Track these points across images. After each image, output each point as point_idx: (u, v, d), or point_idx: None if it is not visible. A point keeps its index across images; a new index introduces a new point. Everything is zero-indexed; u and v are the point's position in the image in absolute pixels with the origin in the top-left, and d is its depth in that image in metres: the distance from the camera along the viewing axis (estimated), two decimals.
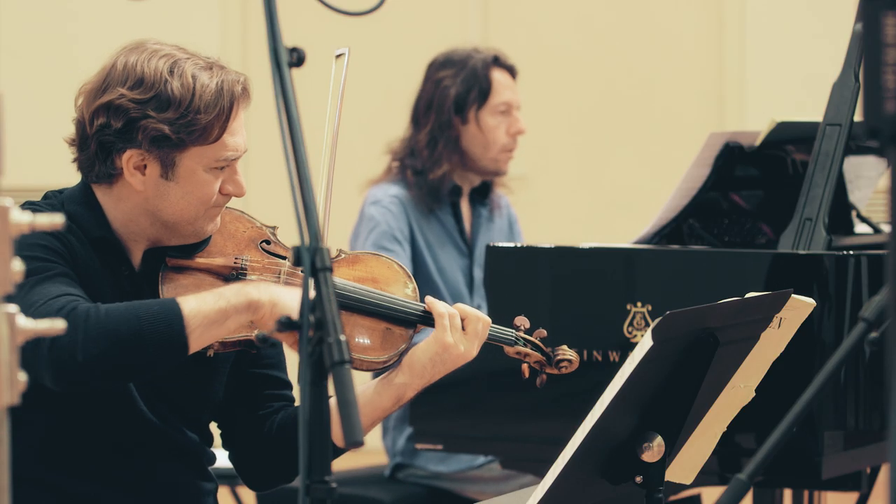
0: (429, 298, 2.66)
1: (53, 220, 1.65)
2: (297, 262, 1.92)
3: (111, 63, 2.60)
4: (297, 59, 1.99)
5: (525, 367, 2.74)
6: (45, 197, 2.65)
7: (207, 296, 2.42)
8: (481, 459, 4.27)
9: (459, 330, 2.63)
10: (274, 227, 2.71)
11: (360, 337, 2.62)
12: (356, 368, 2.61)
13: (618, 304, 3.48)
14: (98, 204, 2.61)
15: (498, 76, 4.37)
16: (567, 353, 2.75)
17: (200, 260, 2.62)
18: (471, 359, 2.66)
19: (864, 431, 3.35)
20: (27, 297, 2.40)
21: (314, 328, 1.88)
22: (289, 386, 2.79)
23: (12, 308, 1.61)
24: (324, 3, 2.16)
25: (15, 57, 7.13)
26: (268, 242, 2.68)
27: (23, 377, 1.61)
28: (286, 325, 1.94)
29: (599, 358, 3.49)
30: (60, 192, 2.66)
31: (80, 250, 2.56)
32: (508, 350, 2.76)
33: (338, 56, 2.60)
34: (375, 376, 2.74)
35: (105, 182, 2.60)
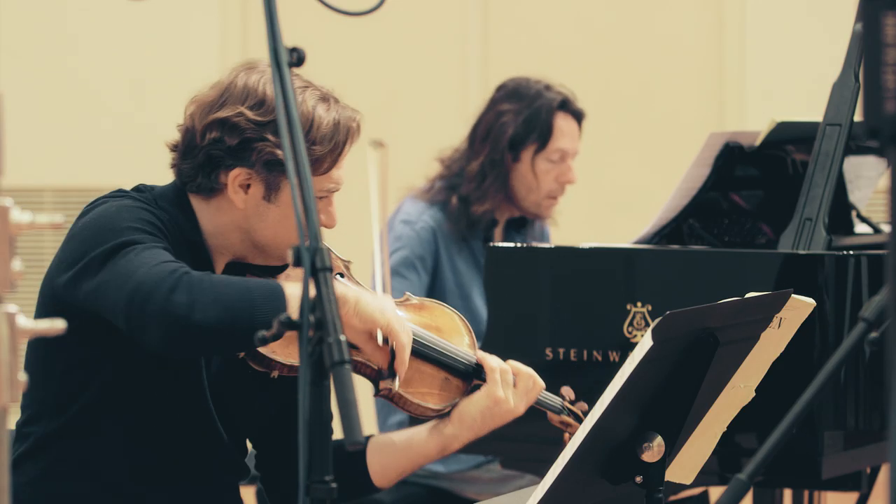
0: (481, 353, 2.69)
1: (53, 219, 1.65)
2: (297, 262, 1.93)
3: (230, 79, 2.60)
4: (297, 59, 1.99)
5: (566, 436, 2.75)
6: (138, 189, 2.65)
7: (296, 285, 2.43)
8: (480, 459, 4.27)
9: (511, 385, 2.66)
10: (348, 262, 2.72)
11: (421, 383, 2.64)
12: (410, 412, 2.63)
13: (618, 304, 3.48)
14: (192, 210, 2.62)
15: (561, 123, 4.23)
16: None
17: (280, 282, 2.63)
18: (518, 415, 2.67)
19: (864, 431, 3.35)
20: (137, 258, 2.41)
21: (314, 328, 1.88)
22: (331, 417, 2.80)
23: (12, 308, 1.61)
24: (324, 3, 2.16)
25: (15, 57, 7.13)
26: (341, 276, 2.69)
27: (23, 377, 1.61)
28: (286, 324, 1.94)
29: (599, 358, 3.49)
30: (152, 187, 2.66)
31: (175, 244, 2.57)
32: (553, 418, 2.77)
33: (373, 145, 2.61)
34: (417, 422, 2.74)
35: (204, 194, 2.61)
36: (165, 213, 2.58)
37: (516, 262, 3.70)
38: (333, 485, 1.90)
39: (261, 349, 2.50)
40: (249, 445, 2.84)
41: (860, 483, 3.57)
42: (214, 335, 2.38)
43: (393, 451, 2.71)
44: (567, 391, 2.79)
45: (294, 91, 2.54)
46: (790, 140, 3.92)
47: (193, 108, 2.62)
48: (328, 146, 2.57)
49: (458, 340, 2.73)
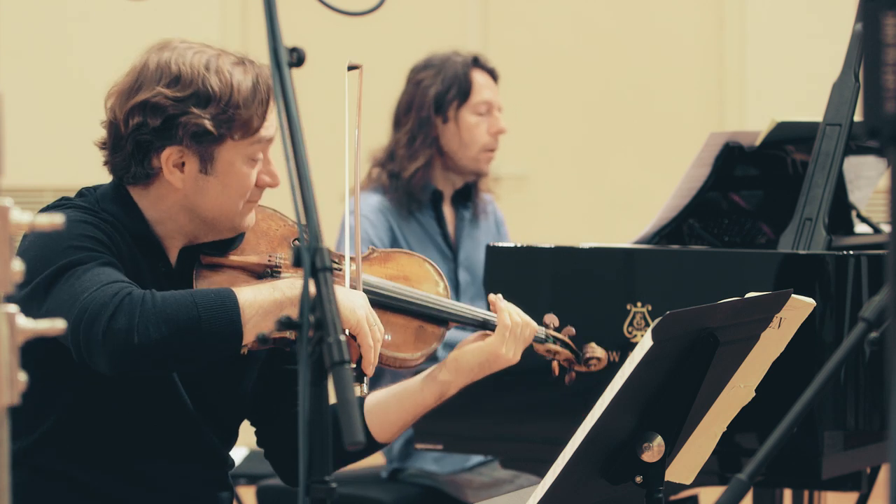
0: (501, 302, 2.69)
1: (53, 220, 1.65)
2: (297, 262, 1.93)
3: (141, 62, 2.60)
4: (297, 59, 1.99)
5: (555, 364, 2.76)
6: (80, 194, 2.65)
7: (262, 287, 2.44)
8: (474, 460, 4.27)
9: (515, 339, 2.68)
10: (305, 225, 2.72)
11: (394, 335, 2.64)
12: (389, 367, 2.64)
13: (618, 304, 3.48)
14: (134, 203, 2.61)
15: (478, 77, 4.39)
16: (596, 350, 2.78)
17: (234, 258, 2.63)
18: (514, 363, 2.69)
19: (864, 431, 3.35)
20: (78, 283, 2.40)
21: (314, 328, 1.88)
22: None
23: (12, 308, 1.61)
24: (324, 3, 2.16)
25: (15, 57, 7.13)
26: (300, 241, 2.69)
27: (22, 377, 1.61)
28: (286, 324, 1.94)
29: None
30: (95, 188, 2.66)
31: (123, 245, 2.56)
32: (538, 348, 2.78)
33: (350, 69, 2.60)
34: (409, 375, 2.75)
35: (141, 183, 2.60)
36: (108, 214, 2.57)
37: (516, 261, 3.70)
38: (333, 485, 1.90)
39: None
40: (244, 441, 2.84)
41: (860, 483, 3.57)
42: (161, 353, 2.37)
43: (390, 407, 2.71)
44: (551, 318, 2.80)
45: (210, 60, 2.57)
46: (790, 140, 3.92)
47: (112, 100, 2.62)
48: (252, 105, 2.56)
49: (429, 287, 2.73)
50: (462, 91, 4.35)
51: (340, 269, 2.64)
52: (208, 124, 2.53)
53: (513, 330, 2.66)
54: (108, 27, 6.90)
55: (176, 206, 2.60)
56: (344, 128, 2.61)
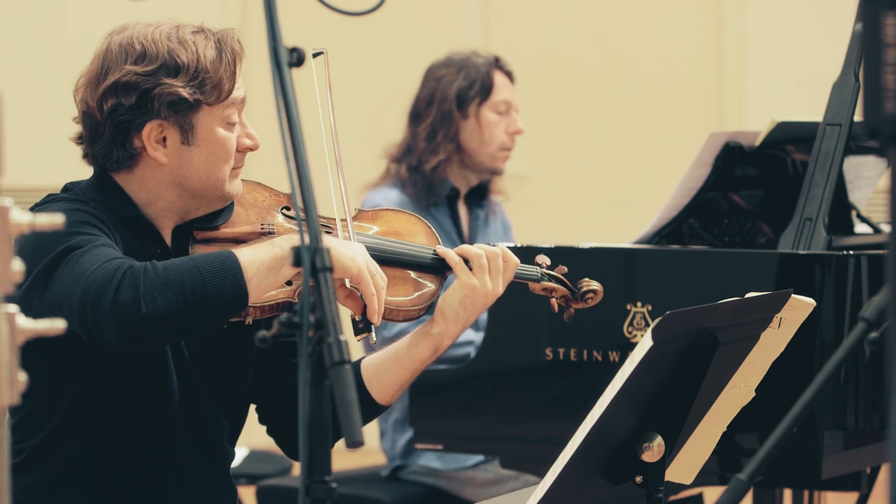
0: (441, 248, 2.71)
1: (53, 219, 1.65)
2: (297, 262, 1.93)
3: (103, 48, 2.63)
4: (297, 59, 1.99)
5: (553, 301, 2.79)
6: (66, 189, 2.65)
7: (260, 245, 2.45)
8: (478, 457, 4.27)
9: (484, 269, 2.68)
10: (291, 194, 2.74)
11: (393, 287, 2.66)
12: (393, 320, 2.65)
13: (618, 304, 3.48)
14: (120, 188, 2.62)
15: (499, 77, 4.45)
16: (591, 284, 2.80)
17: (227, 230, 2.66)
18: (500, 295, 2.70)
19: (864, 431, 3.35)
20: (78, 265, 2.40)
21: (314, 328, 1.88)
22: None
23: (12, 308, 1.61)
24: (324, 3, 2.16)
25: (15, 57, 7.13)
26: (287, 208, 2.72)
27: (23, 377, 1.61)
28: (286, 325, 1.94)
29: (599, 358, 3.49)
30: (79, 182, 2.66)
31: (116, 230, 2.56)
32: (535, 287, 2.80)
33: (315, 55, 2.61)
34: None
35: (125, 167, 2.61)
36: (96, 203, 2.58)
37: None
38: (333, 485, 1.90)
39: None
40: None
41: (860, 483, 3.57)
42: (169, 321, 2.37)
43: (387, 367, 2.72)
44: (542, 258, 2.82)
45: (170, 32, 2.59)
46: (790, 140, 3.92)
47: (82, 91, 2.63)
48: (220, 68, 2.58)
49: (421, 239, 2.76)
50: (484, 88, 4.40)
51: (331, 231, 2.67)
52: (183, 91, 2.55)
53: (475, 261, 2.66)
54: (109, 27, 6.89)
55: (164, 182, 2.61)
56: (317, 113, 2.62)
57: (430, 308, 2.70)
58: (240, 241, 2.63)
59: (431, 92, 4.42)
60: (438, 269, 2.72)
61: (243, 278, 2.38)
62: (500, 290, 2.70)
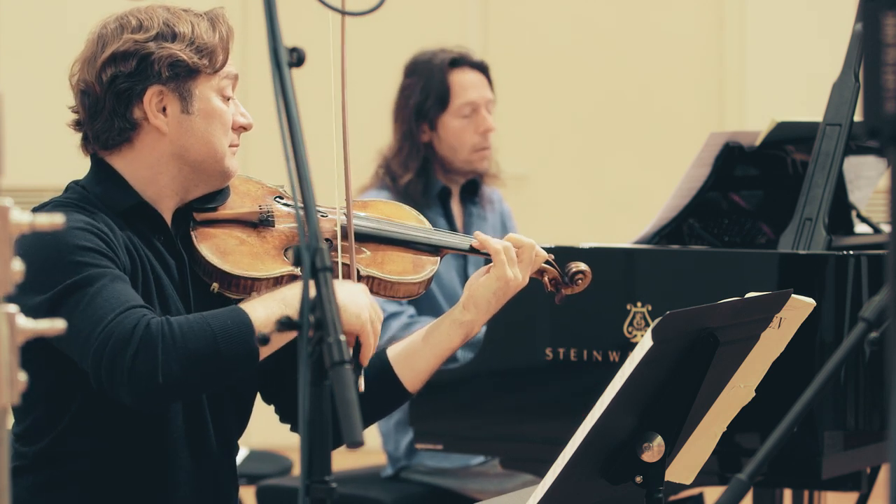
0: (482, 236, 2.76)
1: (53, 219, 1.65)
2: (297, 262, 1.93)
3: (98, 29, 2.64)
4: (297, 59, 1.99)
5: (546, 281, 2.81)
6: (67, 189, 2.65)
7: (271, 303, 2.48)
8: (479, 458, 4.27)
9: (516, 262, 2.74)
10: (281, 186, 2.77)
11: (395, 264, 2.72)
12: (393, 297, 2.70)
13: (618, 304, 3.48)
14: (119, 175, 2.63)
15: (458, 78, 4.38)
16: (579, 265, 2.81)
17: (227, 211, 2.68)
18: (524, 285, 2.75)
19: (864, 431, 3.35)
20: (90, 309, 2.42)
21: (314, 328, 1.88)
22: None
23: (12, 308, 1.61)
24: (324, 3, 2.16)
25: (15, 57, 7.13)
26: (281, 197, 2.75)
27: (23, 377, 1.61)
28: (286, 324, 1.94)
29: (599, 358, 3.49)
30: (77, 182, 2.66)
31: (117, 233, 2.56)
32: None
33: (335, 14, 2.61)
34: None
35: (125, 143, 2.62)
36: (96, 198, 2.59)
37: None
38: (333, 485, 1.90)
39: (202, 253, 2.58)
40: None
41: (860, 483, 3.57)
42: (184, 389, 2.45)
43: (418, 353, 2.75)
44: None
45: (163, 7, 2.62)
46: (790, 140, 3.92)
47: (79, 72, 2.66)
48: (215, 37, 2.62)
49: (411, 223, 2.82)
50: (440, 99, 4.35)
51: (326, 216, 2.70)
52: (182, 54, 2.58)
53: (507, 252, 2.72)
54: None
55: (165, 156, 2.62)
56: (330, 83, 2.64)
57: (428, 286, 2.76)
58: (240, 221, 2.66)
59: (397, 106, 4.43)
60: (434, 248, 2.77)
61: (256, 345, 2.43)
62: (526, 281, 2.76)
